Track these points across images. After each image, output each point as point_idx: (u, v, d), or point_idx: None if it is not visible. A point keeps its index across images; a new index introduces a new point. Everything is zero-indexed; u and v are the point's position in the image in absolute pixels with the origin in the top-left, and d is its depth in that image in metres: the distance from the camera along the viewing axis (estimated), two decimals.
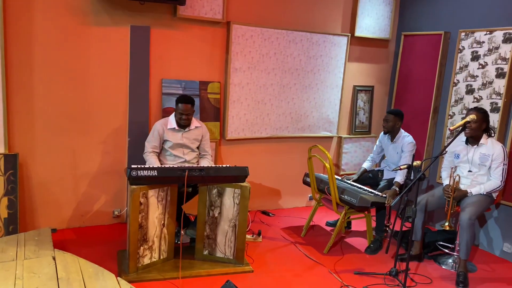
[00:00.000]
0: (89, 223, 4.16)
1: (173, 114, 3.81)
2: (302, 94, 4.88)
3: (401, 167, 3.80)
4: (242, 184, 3.44)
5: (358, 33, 5.02)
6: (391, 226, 4.34)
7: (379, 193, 3.93)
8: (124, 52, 3.99)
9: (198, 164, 3.88)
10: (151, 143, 3.78)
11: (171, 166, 3.39)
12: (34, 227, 3.90)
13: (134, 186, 3.17)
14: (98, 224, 4.20)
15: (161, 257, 3.44)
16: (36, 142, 3.80)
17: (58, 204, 3.99)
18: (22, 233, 3.42)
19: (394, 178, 4.13)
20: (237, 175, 3.42)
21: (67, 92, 3.85)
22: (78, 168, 4.02)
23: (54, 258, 3.03)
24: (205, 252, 3.54)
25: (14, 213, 3.59)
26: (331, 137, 5.23)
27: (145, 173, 3.20)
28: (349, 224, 4.61)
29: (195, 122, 3.87)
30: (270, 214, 4.87)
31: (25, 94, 3.69)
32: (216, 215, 3.48)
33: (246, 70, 4.51)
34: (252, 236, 4.11)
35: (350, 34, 5.00)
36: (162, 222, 3.39)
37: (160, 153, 3.85)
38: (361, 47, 5.17)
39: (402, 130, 4.24)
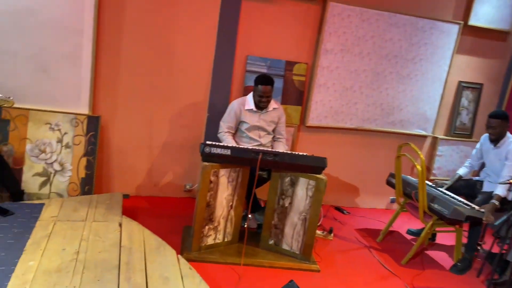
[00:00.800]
0: (161, 193, 4.15)
1: (251, 94, 3.60)
2: (398, 85, 4.39)
3: (511, 180, 3.22)
4: (318, 176, 3.14)
5: (473, 21, 4.37)
6: (484, 246, 3.77)
7: (476, 207, 3.39)
8: (212, 25, 3.84)
9: (272, 148, 3.65)
10: (226, 123, 3.61)
11: (246, 147, 3.19)
12: (108, 190, 3.98)
13: (205, 163, 3.03)
14: (169, 195, 4.18)
15: (225, 240, 3.29)
16: (118, 107, 3.83)
17: (133, 171, 4.02)
18: (95, 195, 3.48)
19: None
20: (313, 166, 3.13)
21: (152, 61, 3.81)
22: (155, 138, 4.00)
23: (120, 225, 3.01)
24: (271, 242, 3.33)
25: (91, 174, 3.66)
26: (425, 136, 4.68)
27: (219, 151, 3.04)
28: (433, 236, 4.10)
29: (273, 104, 3.62)
30: (345, 211, 4.51)
31: (112, 57, 3.71)
32: (286, 205, 3.23)
33: (337, 52, 4.14)
34: (323, 232, 3.81)
35: (462, 22, 4.37)
36: (230, 203, 3.23)
37: (235, 134, 3.67)
38: (474, 38, 4.51)
39: (508, 134, 3.61)
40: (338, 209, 4.55)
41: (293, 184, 3.19)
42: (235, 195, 3.23)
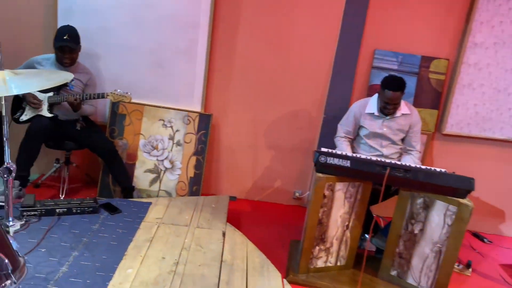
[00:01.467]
0: (268, 198, 3.86)
1: (375, 96, 3.06)
2: None
3: None
4: (461, 200, 2.51)
5: None
6: None
7: None
8: (335, 15, 3.40)
9: (399, 161, 3.08)
10: (344, 127, 3.14)
11: (368, 158, 2.70)
12: (216, 190, 3.81)
13: (320, 174, 2.62)
14: (277, 201, 3.87)
15: (338, 264, 2.85)
16: (230, 105, 3.62)
17: (241, 173, 3.79)
18: (201, 197, 3.31)
19: None
20: (456, 187, 2.51)
21: (268, 57, 3.51)
22: (266, 139, 3.71)
23: (224, 234, 2.77)
24: (393, 273, 2.79)
25: (200, 174, 3.52)
26: None
27: (336, 161, 2.60)
28: None
29: (403, 108, 3.01)
30: (485, 239, 3.71)
31: (227, 53, 3.50)
32: (416, 231, 2.66)
33: (490, 46, 3.37)
34: (458, 266, 3.13)
35: None
36: (346, 223, 2.77)
37: (354, 139, 3.18)
38: None
39: None
40: (477, 236, 3.76)
41: (427, 207, 2.61)
42: (353, 213, 2.76)
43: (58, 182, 3.49)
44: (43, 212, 2.68)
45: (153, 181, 3.49)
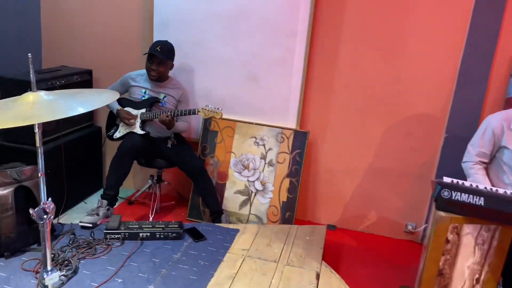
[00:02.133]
0: (374, 229, 3.33)
1: None
2: None
3: None
4: None
5: None
6: None
7: None
8: (463, 13, 2.79)
9: None
10: (477, 148, 2.46)
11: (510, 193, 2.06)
12: (312, 217, 3.40)
13: (442, 213, 2.06)
14: (384, 234, 3.31)
15: None
16: (329, 122, 3.20)
17: (342, 198, 3.32)
18: (294, 226, 2.93)
19: None
20: None
21: (376, 65, 3.02)
22: (373, 161, 3.20)
23: (318, 277, 2.34)
24: None
25: (293, 199, 3.14)
26: None
27: (465, 197, 2.01)
28: None
29: None
30: None
31: (327, 63, 3.09)
32: None
33: None
34: None
35: None
36: (477, 276, 2.15)
37: (490, 163, 2.50)
38: None
39: None
40: None
41: None
42: (486, 264, 2.13)
43: (151, 199, 3.41)
44: (126, 236, 2.54)
45: (243, 204, 3.21)
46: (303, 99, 3.15)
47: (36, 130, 1.52)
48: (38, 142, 1.55)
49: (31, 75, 1.50)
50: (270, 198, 3.17)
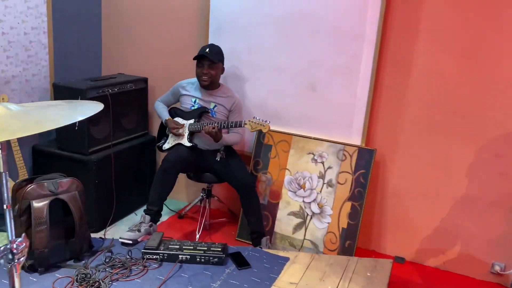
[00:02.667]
0: (452, 267, 2.82)
1: None
2: None
3: None
4: None
5: None
6: None
7: None
8: None
9: None
10: None
11: None
12: (376, 246, 2.98)
13: None
14: (465, 273, 2.79)
15: None
16: (401, 138, 2.77)
17: (414, 227, 2.86)
18: (354, 259, 2.54)
19: None
20: None
21: (455, 75, 2.56)
22: (452, 186, 2.71)
23: None
24: None
25: (355, 226, 2.75)
26: None
27: None
28: None
29: None
30: None
31: (399, 71, 2.68)
32: None
33: None
34: None
35: None
36: None
37: None
38: None
39: None
40: None
41: None
42: None
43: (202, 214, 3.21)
44: (165, 257, 2.34)
45: (297, 227, 2.89)
46: (370, 112, 2.77)
47: None
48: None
49: None
50: (328, 223, 2.81)
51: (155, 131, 3.44)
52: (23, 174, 2.70)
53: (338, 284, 2.26)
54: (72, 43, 3.26)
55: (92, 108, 1.28)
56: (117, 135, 3.13)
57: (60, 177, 2.24)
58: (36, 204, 2.09)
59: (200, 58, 2.76)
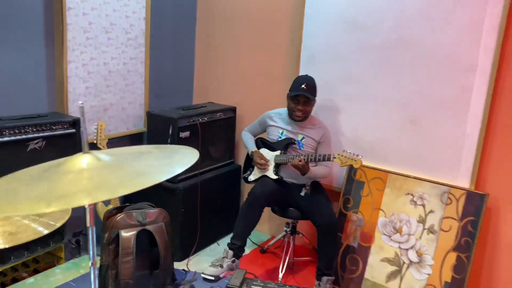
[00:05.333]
0: None
1: None
2: None
3: None
4: None
5: None
6: None
7: None
8: None
9: None
10: None
11: None
12: None
13: None
14: None
15: None
16: None
17: None
18: None
19: None
20: None
21: None
22: None
23: None
24: None
25: (461, 280, 2.39)
26: None
27: None
28: None
29: None
30: None
31: None
32: None
33: None
34: None
35: None
36: None
37: None
38: None
39: None
40: None
41: None
42: None
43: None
44: None
45: (391, 276, 2.59)
46: (482, 152, 2.43)
47: (88, 213, 1.16)
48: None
49: (82, 132, 1.17)
50: (429, 274, 2.48)
51: (241, 160, 3.38)
52: (115, 201, 2.77)
53: None
54: (167, 72, 3.35)
55: (189, 156, 1.20)
56: (205, 163, 3.12)
57: (148, 207, 2.24)
58: (125, 234, 2.09)
59: (297, 96, 2.64)
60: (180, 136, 2.86)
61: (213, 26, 3.48)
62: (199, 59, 3.60)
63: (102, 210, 2.74)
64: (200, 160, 3.02)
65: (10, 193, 1.02)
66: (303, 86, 2.62)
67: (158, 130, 2.92)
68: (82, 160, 1.13)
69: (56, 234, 2.61)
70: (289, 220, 2.95)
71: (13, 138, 2.20)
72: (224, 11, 3.41)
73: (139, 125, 3.15)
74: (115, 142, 2.94)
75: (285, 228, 3.06)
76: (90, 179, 1.05)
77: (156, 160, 1.21)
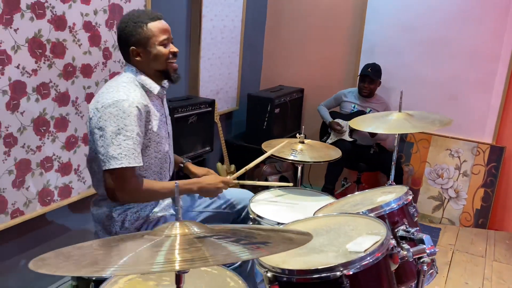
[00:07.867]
0: None
1: None
2: None
3: None
4: None
5: None
6: None
7: None
8: None
9: None
10: None
11: None
12: (504, 228, 3.64)
13: None
14: None
15: None
16: None
17: None
18: (492, 231, 3.25)
19: None
20: None
21: None
22: None
23: None
24: None
25: (487, 207, 3.45)
26: None
27: None
28: None
29: None
30: None
31: None
32: None
33: None
34: None
35: None
36: None
37: None
38: None
39: None
40: None
41: None
42: None
43: None
44: None
45: (436, 208, 3.63)
46: (502, 117, 3.45)
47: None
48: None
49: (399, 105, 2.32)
50: (464, 205, 3.53)
51: (305, 130, 4.31)
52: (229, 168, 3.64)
53: (486, 248, 2.98)
54: (246, 63, 4.21)
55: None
56: (285, 133, 4.03)
57: (279, 160, 3.15)
58: (272, 177, 3.01)
59: (364, 76, 3.58)
60: (275, 112, 3.75)
61: (279, 24, 4.33)
62: (267, 51, 4.45)
63: (221, 170, 3.62)
64: (283, 131, 3.93)
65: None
66: (369, 69, 3.56)
67: (256, 108, 3.79)
68: None
69: None
70: (347, 175, 3.93)
71: (181, 114, 3.04)
72: (291, 11, 4.27)
73: (232, 104, 4.01)
74: (223, 117, 3.82)
75: (342, 182, 4.05)
76: None
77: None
